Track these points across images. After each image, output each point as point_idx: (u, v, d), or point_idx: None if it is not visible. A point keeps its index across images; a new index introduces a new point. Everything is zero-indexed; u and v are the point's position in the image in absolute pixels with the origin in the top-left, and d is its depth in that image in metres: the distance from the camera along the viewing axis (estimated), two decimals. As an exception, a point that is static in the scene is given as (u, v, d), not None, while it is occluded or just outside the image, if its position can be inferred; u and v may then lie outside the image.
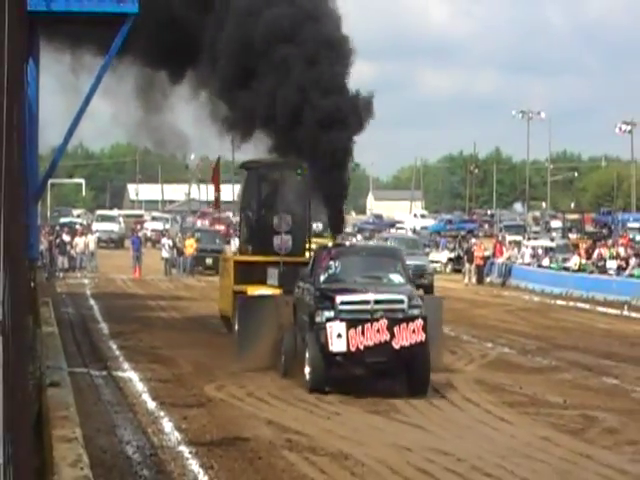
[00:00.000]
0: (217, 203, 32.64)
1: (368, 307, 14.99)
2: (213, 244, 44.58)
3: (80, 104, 15.41)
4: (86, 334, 24.16)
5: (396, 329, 14.51)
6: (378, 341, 14.43)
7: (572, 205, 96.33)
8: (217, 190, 26.12)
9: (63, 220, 61.63)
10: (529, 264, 42.84)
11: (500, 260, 43.65)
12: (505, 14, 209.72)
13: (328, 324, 14.52)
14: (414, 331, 14.54)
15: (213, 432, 13.08)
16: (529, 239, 60.87)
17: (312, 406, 14.91)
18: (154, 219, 71.16)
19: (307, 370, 15.20)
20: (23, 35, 8.14)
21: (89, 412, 13.56)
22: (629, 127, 78.77)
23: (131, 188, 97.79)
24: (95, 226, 60.60)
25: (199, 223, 61.67)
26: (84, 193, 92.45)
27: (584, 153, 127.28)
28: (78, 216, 72.73)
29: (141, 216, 73.37)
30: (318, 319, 14.92)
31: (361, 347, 14.44)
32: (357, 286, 15.87)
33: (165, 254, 43.52)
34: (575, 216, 74.10)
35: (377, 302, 15.01)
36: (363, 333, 14.41)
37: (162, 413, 14.41)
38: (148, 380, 17.24)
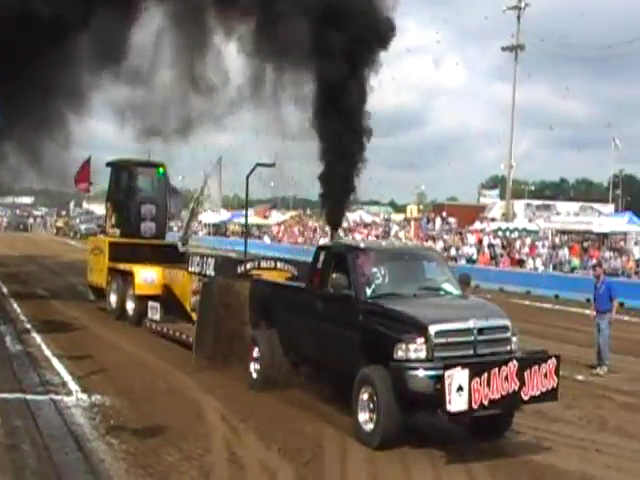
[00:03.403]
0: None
1: (471, 338, 9.68)
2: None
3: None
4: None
5: (526, 374, 9.31)
6: (506, 392, 9.15)
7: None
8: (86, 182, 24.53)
9: None
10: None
11: None
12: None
13: (447, 373, 8.82)
14: (546, 375, 9.42)
15: (39, 317, 19.35)
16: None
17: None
18: None
19: (366, 417, 9.87)
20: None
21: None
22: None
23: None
24: None
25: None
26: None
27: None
28: None
29: None
30: (400, 354, 9.38)
31: (485, 403, 9.05)
32: (432, 305, 10.43)
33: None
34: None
35: (480, 331, 9.73)
36: (489, 383, 9.03)
37: (12, 301, 22.86)
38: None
